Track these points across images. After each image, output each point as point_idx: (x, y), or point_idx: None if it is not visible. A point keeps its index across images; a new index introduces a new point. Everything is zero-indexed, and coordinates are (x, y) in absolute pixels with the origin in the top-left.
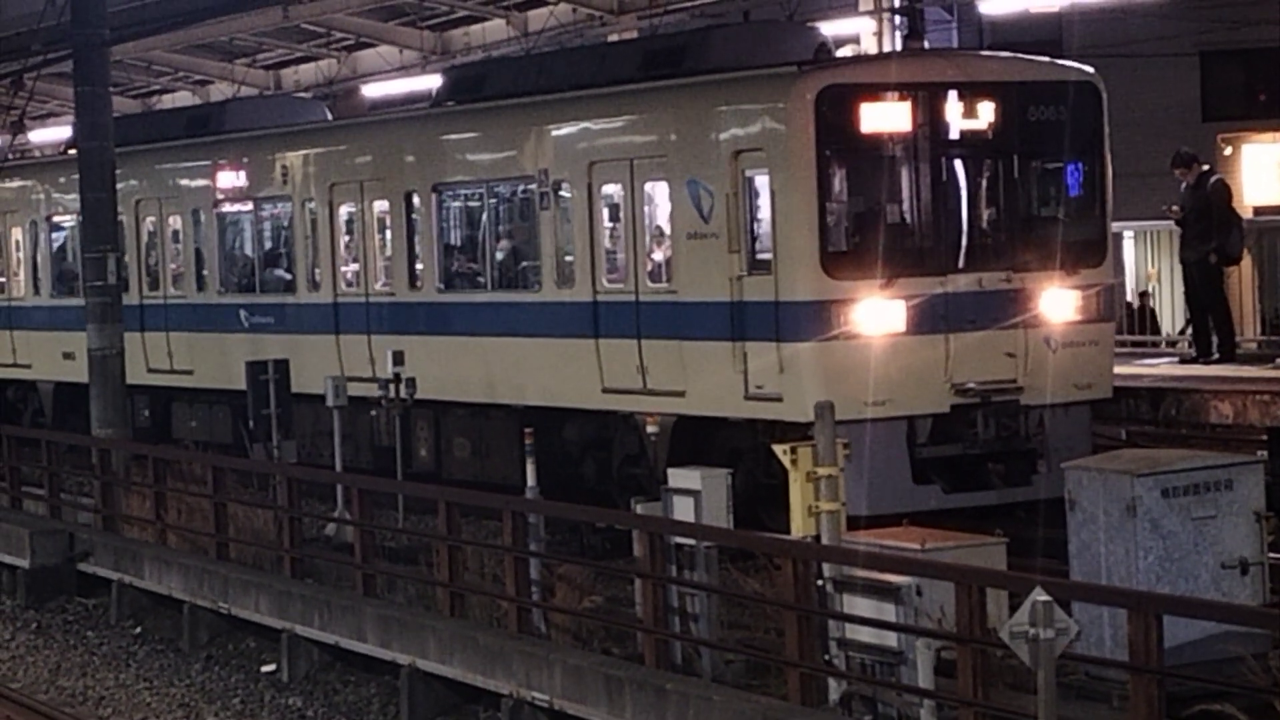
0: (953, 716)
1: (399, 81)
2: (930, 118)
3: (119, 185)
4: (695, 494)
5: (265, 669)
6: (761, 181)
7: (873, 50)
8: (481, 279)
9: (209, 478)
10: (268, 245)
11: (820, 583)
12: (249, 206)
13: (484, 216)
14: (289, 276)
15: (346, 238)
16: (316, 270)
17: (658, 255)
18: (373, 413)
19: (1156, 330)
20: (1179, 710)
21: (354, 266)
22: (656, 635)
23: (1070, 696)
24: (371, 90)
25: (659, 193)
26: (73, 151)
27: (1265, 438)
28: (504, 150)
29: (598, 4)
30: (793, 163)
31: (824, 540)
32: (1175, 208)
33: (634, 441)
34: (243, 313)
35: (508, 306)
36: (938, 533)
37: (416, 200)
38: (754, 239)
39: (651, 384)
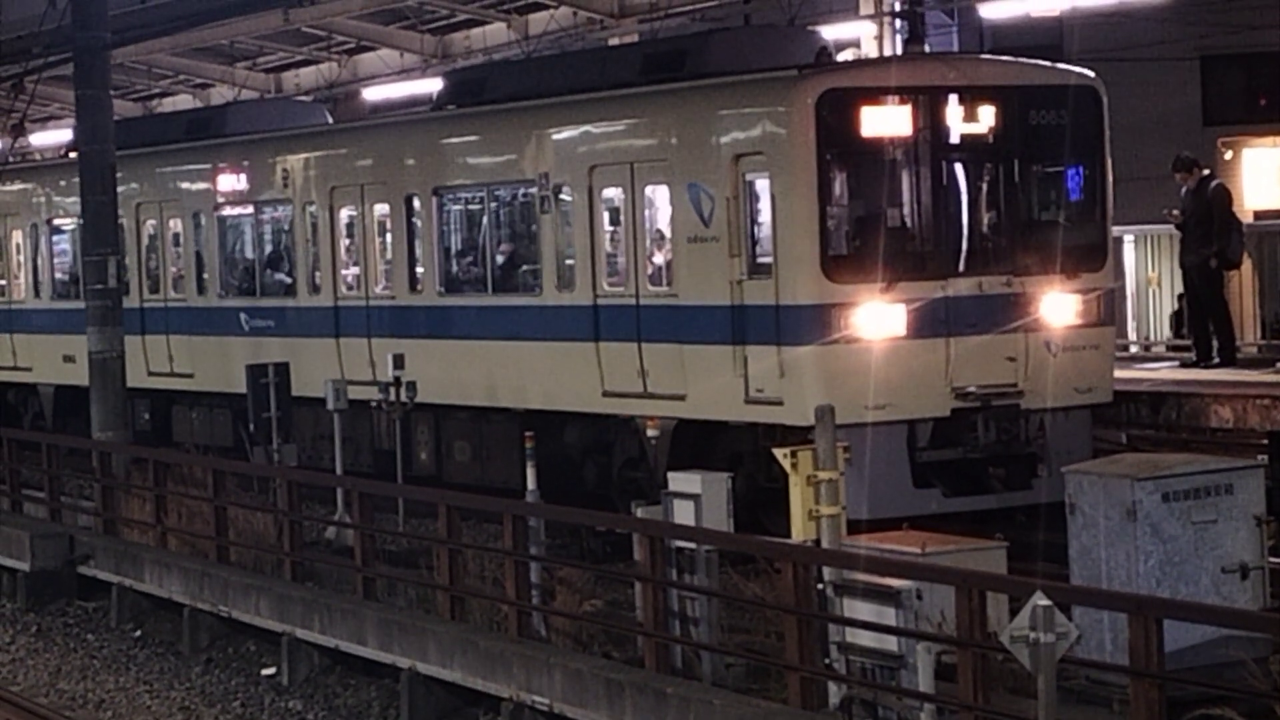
0: None
1: (399, 85)
2: (931, 122)
3: (120, 188)
4: (696, 498)
5: (265, 672)
6: (762, 185)
7: (873, 54)
8: (482, 282)
9: (209, 481)
10: (268, 248)
11: (820, 586)
12: (249, 210)
13: (484, 220)
14: (289, 280)
15: (347, 241)
16: (317, 273)
17: (658, 259)
18: (373, 404)
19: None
20: (1179, 714)
21: (354, 270)
22: (657, 639)
23: (1071, 701)
24: (372, 93)
25: (659, 196)
26: (73, 154)
27: (1265, 442)
28: (504, 154)
29: (598, 8)
30: (793, 166)
31: (824, 544)
32: (1175, 212)
33: (634, 445)
34: (243, 316)
35: (508, 310)
36: (938, 536)
37: (417, 204)
38: (754, 242)
39: (652, 387)
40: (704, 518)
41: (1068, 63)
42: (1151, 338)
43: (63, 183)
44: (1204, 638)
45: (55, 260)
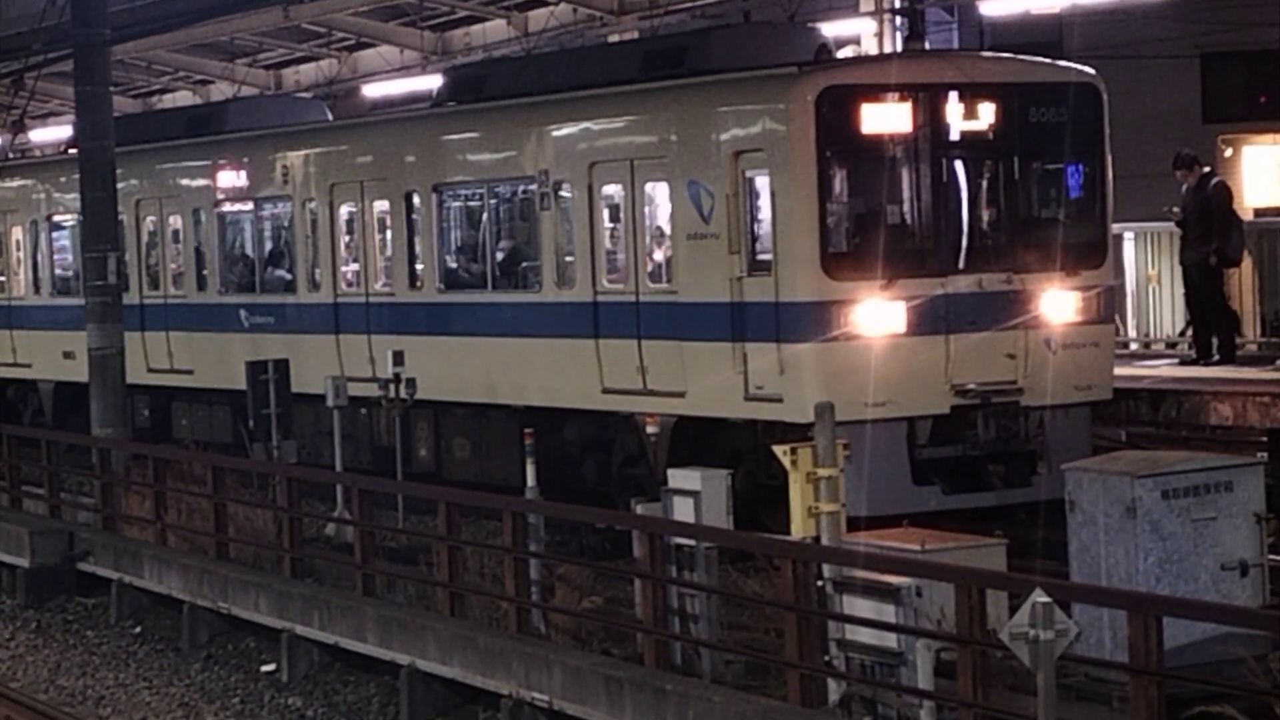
0: (952, 718)
1: (399, 81)
2: (931, 119)
3: (119, 185)
4: (695, 495)
5: (265, 669)
6: (762, 182)
7: (873, 51)
8: (482, 279)
9: (209, 477)
10: (268, 245)
11: (820, 584)
12: (249, 206)
13: (484, 217)
14: (289, 276)
15: (347, 238)
16: (317, 270)
17: (658, 256)
18: (363, 410)
19: None
20: (1179, 712)
21: (354, 266)
22: (656, 636)
23: (1070, 698)
24: (372, 90)
25: (659, 193)
26: (73, 151)
27: (1265, 439)
28: (504, 150)
29: (598, 4)
30: (793, 163)
31: (824, 541)
32: (1176, 209)
33: (634, 442)
34: (243, 312)
35: (508, 307)
36: (937, 534)
37: (417, 200)
38: (754, 240)
39: (651, 384)
40: (703, 515)
41: (1068, 60)
42: (1152, 335)
43: (63, 179)
44: (1203, 635)
45: (55, 257)
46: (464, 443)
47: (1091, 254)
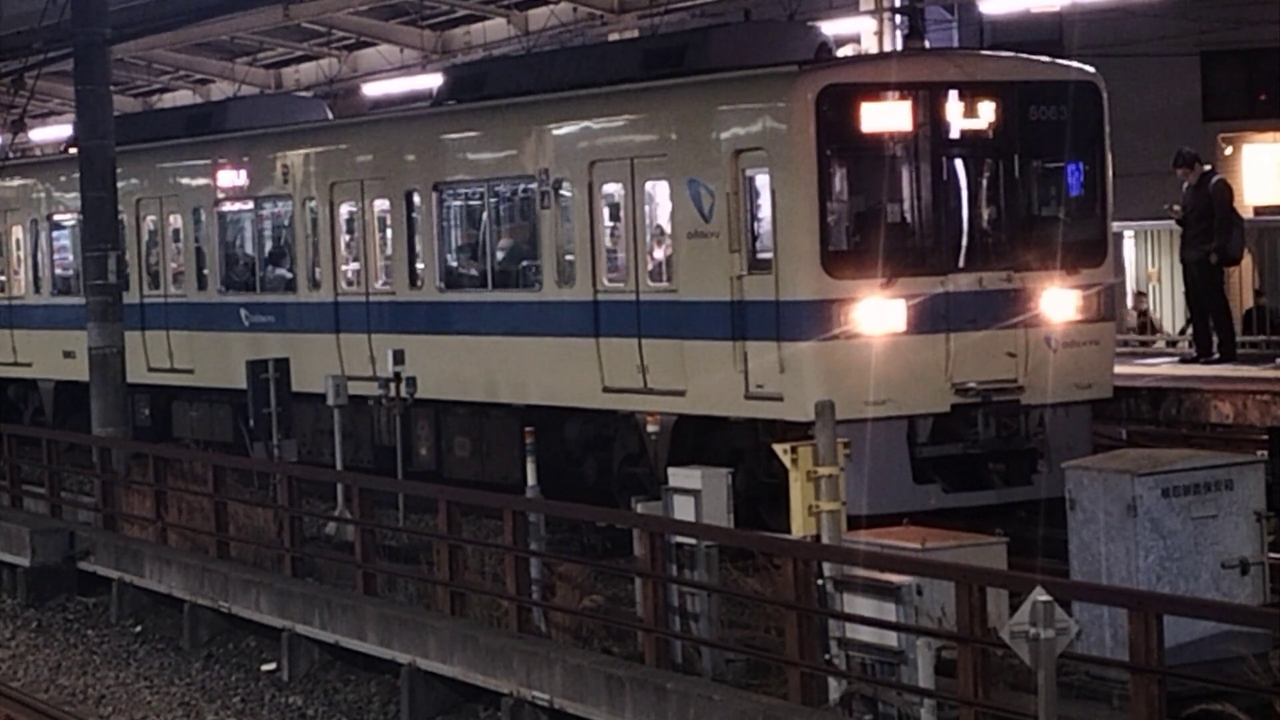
0: (953, 716)
1: (399, 80)
2: (931, 117)
3: (120, 184)
4: (696, 493)
5: (265, 668)
6: (762, 181)
7: (873, 50)
8: (482, 278)
9: (209, 476)
10: (268, 244)
11: (820, 582)
12: (249, 205)
13: (484, 215)
14: (289, 275)
15: (347, 237)
16: (317, 269)
17: (658, 254)
18: (370, 402)
19: None
20: (1179, 710)
21: (354, 265)
22: (657, 634)
23: (1071, 696)
24: (372, 89)
25: (659, 192)
26: (73, 150)
27: (1266, 437)
28: (504, 149)
29: (598, 3)
30: (793, 162)
31: (824, 540)
32: (1176, 208)
33: (634, 441)
34: (243, 311)
35: (508, 306)
36: (938, 532)
37: (417, 199)
38: (754, 238)
39: (652, 383)
40: (704, 513)
41: (1068, 58)
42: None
43: (63, 178)
44: (1204, 633)
45: (55, 256)
46: (464, 441)
47: (1091, 252)
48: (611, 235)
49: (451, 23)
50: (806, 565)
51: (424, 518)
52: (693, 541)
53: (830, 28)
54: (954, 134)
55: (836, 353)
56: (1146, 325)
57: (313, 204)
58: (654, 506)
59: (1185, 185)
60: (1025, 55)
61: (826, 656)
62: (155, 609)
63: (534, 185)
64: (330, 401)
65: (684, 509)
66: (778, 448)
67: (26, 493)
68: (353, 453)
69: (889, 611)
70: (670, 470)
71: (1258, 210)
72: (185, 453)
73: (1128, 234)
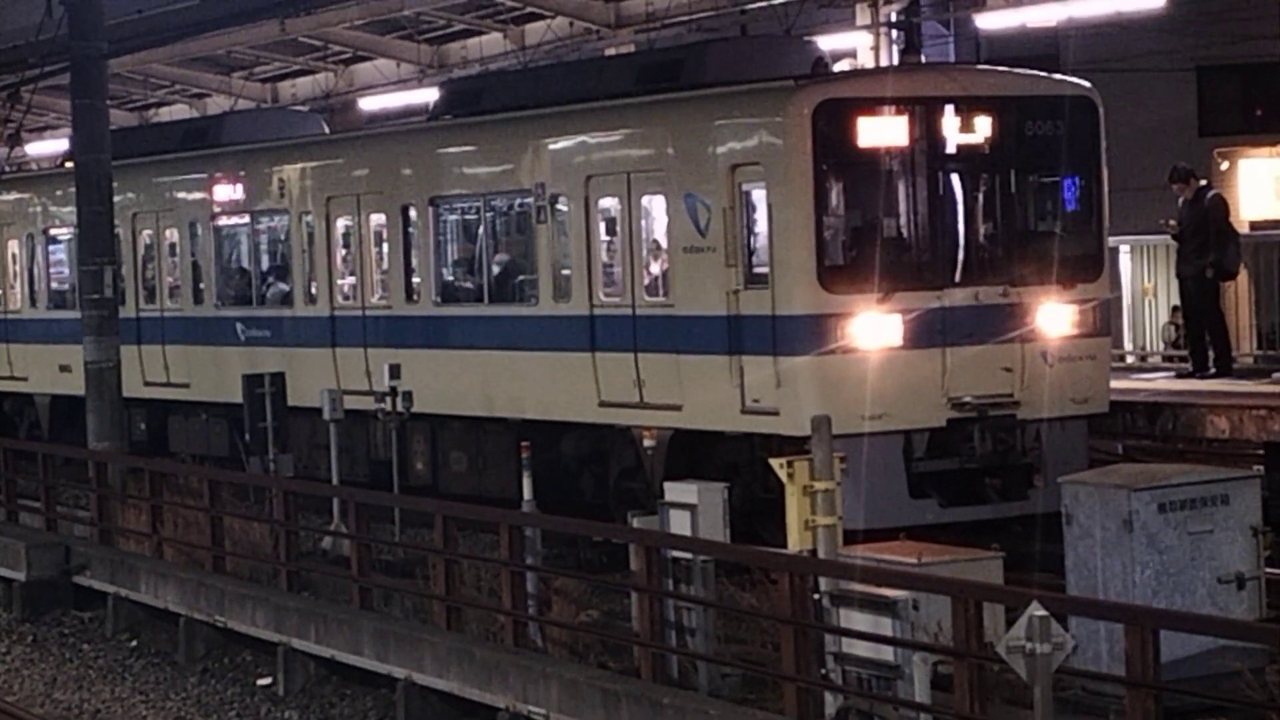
0: None
1: (396, 95)
2: (927, 132)
3: (116, 198)
4: (692, 508)
5: (261, 682)
6: (758, 195)
7: (870, 65)
8: (478, 292)
9: (205, 491)
10: (264, 258)
11: (817, 597)
12: (246, 220)
13: (481, 230)
14: (286, 290)
15: (343, 251)
16: (313, 283)
17: (654, 269)
18: (378, 416)
19: None
20: None
21: (350, 280)
22: (653, 649)
23: (1067, 711)
24: (368, 103)
25: (656, 206)
26: (70, 164)
27: (1262, 452)
28: (501, 164)
29: (594, 18)
30: (790, 177)
31: (821, 554)
32: (1172, 222)
33: (631, 455)
34: (239, 326)
35: (504, 320)
36: (934, 547)
37: (413, 213)
38: (751, 253)
39: (648, 398)
40: (700, 528)
41: (1064, 73)
42: (1148, 348)
43: (59, 192)
44: (1200, 648)
45: (51, 270)
46: (461, 456)
47: (1088, 267)
48: (608, 250)
49: (448, 37)
50: (803, 580)
51: (420, 532)
52: (689, 556)
53: (826, 43)
54: (950, 149)
55: (833, 367)
56: (1180, 341)
57: (309, 218)
58: (650, 521)
59: (1181, 200)
60: (1021, 70)
61: (823, 671)
62: (151, 623)
63: (530, 200)
64: (326, 416)
65: (680, 524)
66: (774, 462)
67: (22, 507)
68: (349, 467)
69: (885, 626)
70: (666, 485)
71: (1253, 225)
72: (181, 467)
73: (1124, 249)
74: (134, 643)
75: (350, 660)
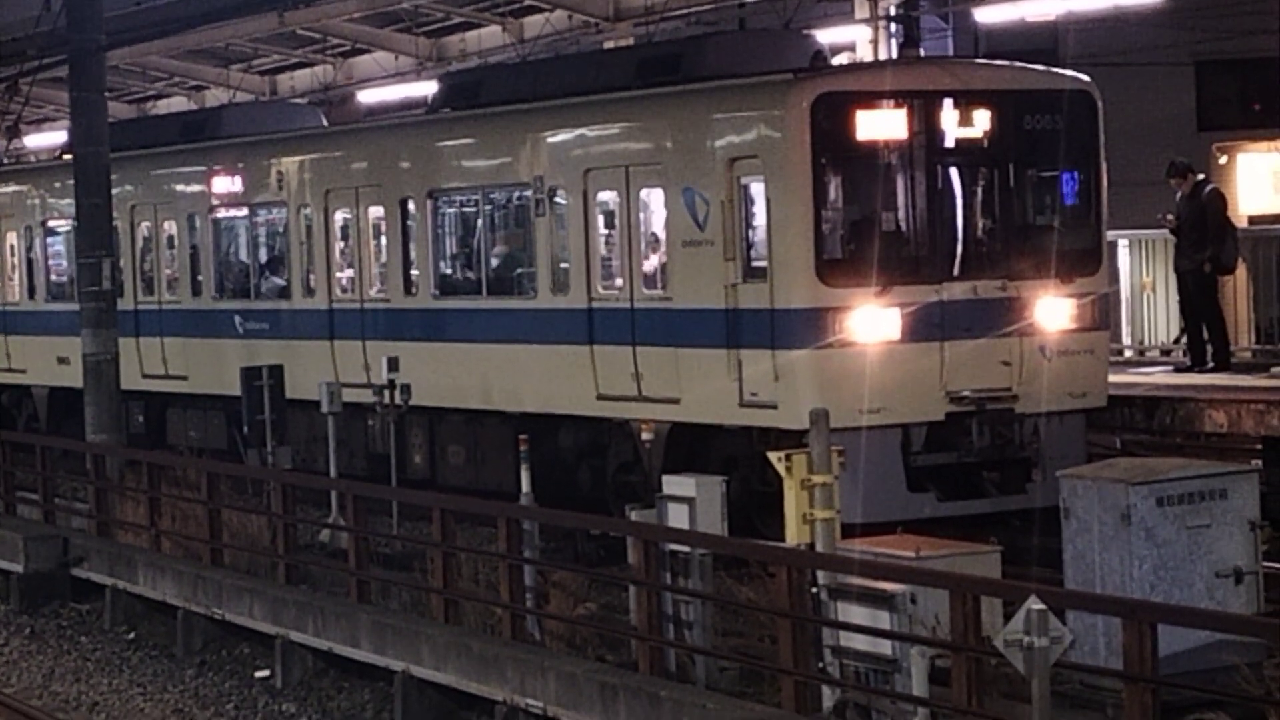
0: None
1: (394, 88)
2: (926, 126)
3: (114, 190)
4: (690, 501)
5: (259, 675)
6: (757, 189)
7: (868, 58)
8: (476, 285)
9: (203, 483)
10: (263, 251)
11: (815, 590)
12: (244, 212)
13: (479, 223)
14: (284, 282)
15: (341, 244)
16: (311, 276)
17: (653, 262)
18: (371, 422)
19: None
20: (1173, 719)
21: (349, 272)
22: (651, 642)
23: (1065, 705)
24: (367, 96)
25: (654, 200)
26: (68, 156)
27: (1260, 447)
28: (499, 157)
29: (593, 11)
30: (788, 170)
31: (819, 548)
32: (1170, 217)
33: (629, 448)
34: (237, 318)
35: (503, 313)
36: (932, 541)
37: (412, 206)
38: (749, 246)
39: (646, 391)
40: (698, 521)
41: (1063, 67)
42: (1146, 342)
43: (57, 185)
44: (1198, 642)
45: (50, 262)
46: (459, 449)
47: (1086, 261)
48: (606, 243)
49: (446, 30)
50: (801, 573)
51: (418, 525)
52: (687, 549)
53: (825, 36)
54: (949, 143)
55: (831, 361)
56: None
57: (307, 211)
58: (648, 514)
59: (1179, 195)
60: (1020, 64)
61: (820, 665)
62: (149, 616)
63: (529, 193)
64: (324, 409)
65: (678, 517)
66: (772, 456)
67: (20, 499)
68: (347, 460)
69: (883, 620)
70: (664, 478)
71: (1252, 220)
72: (179, 460)
73: (1122, 243)
74: (132, 635)
75: (348, 653)
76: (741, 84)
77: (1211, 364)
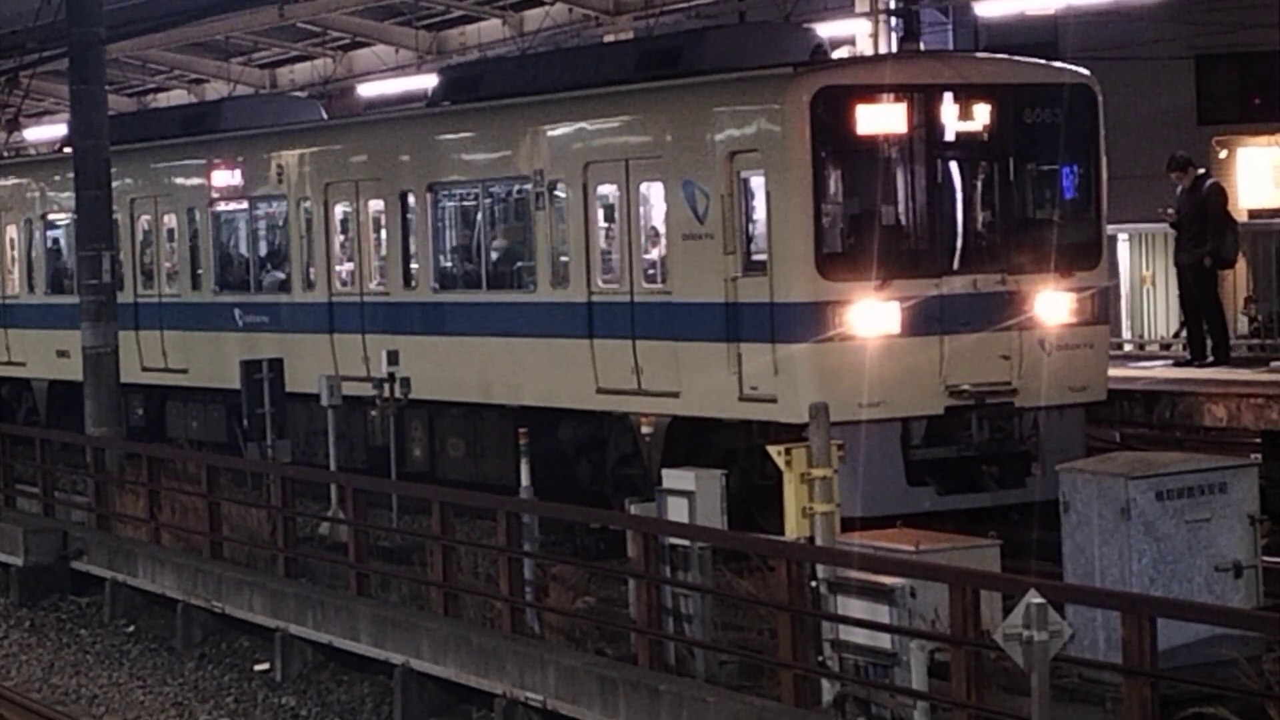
0: (946, 719)
1: (394, 81)
2: (926, 119)
3: (114, 183)
4: (689, 495)
5: (259, 668)
6: (757, 183)
7: (869, 52)
8: (476, 279)
9: (203, 477)
10: (263, 244)
11: (814, 584)
12: (244, 205)
13: (479, 216)
14: (284, 276)
15: (341, 237)
16: (311, 269)
17: (653, 256)
18: (372, 414)
19: None
20: (1172, 713)
21: (349, 266)
22: (650, 636)
23: (1064, 699)
24: (367, 89)
25: (654, 193)
26: (68, 149)
27: (1259, 441)
28: (499, 150)
29: (593, 4)
30: (788, 164)
31: (818, 542)
32: (1170, 211)
33: (628, 442)
34: (237, 311)
35: (502, 306)
36: (932, 534)
37: (411, 200)
38: (749, 240)
39: (646, 384)
40: (698, 515)
41: (1063, 61)
42: (1145, 336)
43: (57, 178)
44: (1197, 636)
45: (49, 255)
46: (458, 442)
47: (1086, 255)
48: (606, 236)
49: (447, 23)
50: (800, 567)
51: (418, 518)
52: (686, 543)
53: (825, 30)
54: (949, 136)
55: (831, 355)
56: (1261, 329)
57: (307, 204)
58: (648, 508)
59: (1179, 189)
60: (1020, 58)
61: (820, 658)
62: (148, 609)
63: (529, 186)
64: (324, 402)
65: (678, 510)
66: (772, 450)
67: (20, 492)
68: (346, 453)
69: (882, 614)
70: (664, 472)
71: (1251, 214)
72: (179, 453)
73: (1122, 237)
74: (131, 628)
75: (348, 646)
76: (742, 77)
77: (1211, 358)
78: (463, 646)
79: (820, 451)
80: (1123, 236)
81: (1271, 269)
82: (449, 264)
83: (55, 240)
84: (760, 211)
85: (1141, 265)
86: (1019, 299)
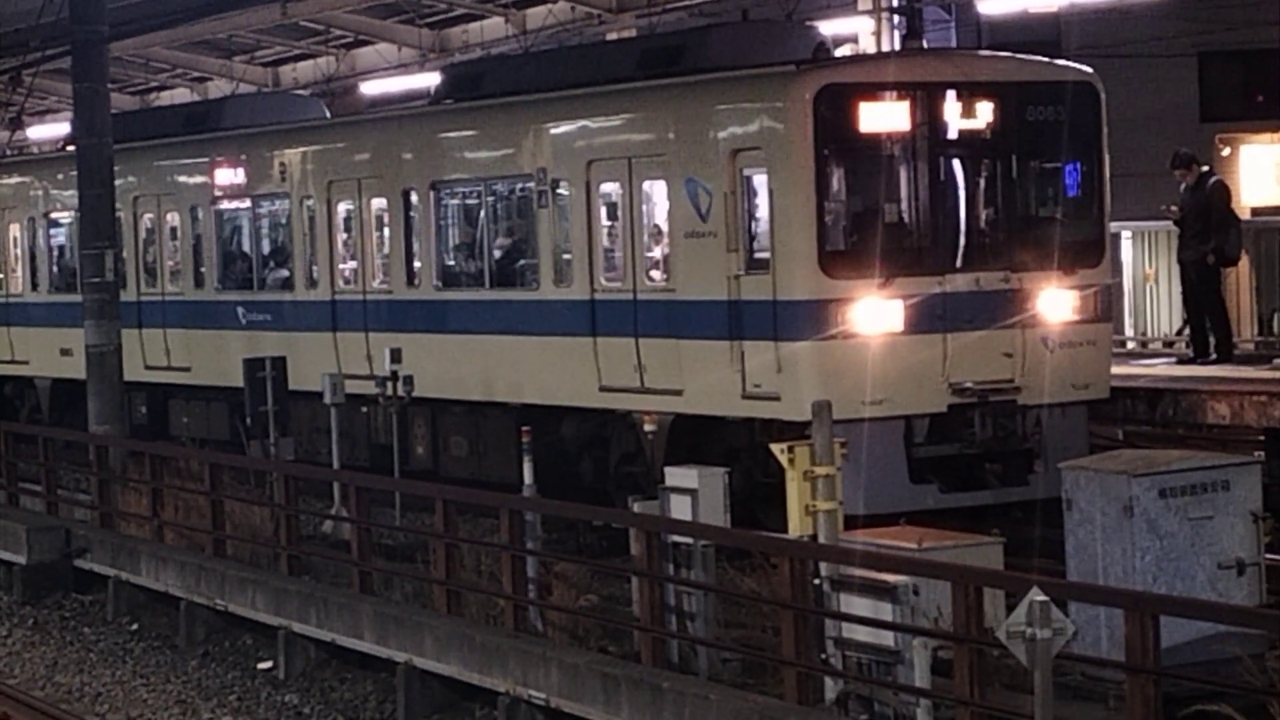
0: (949, 716)
1: (397, 79)
2: (929, 117)
3: (117, 182)
4: (692, 493)
5: (262, 666)
6: (760, 181)
7: (871, 50)
8: (479, 277)
9: (206, 475)
10: (265, 242)
11: (817, 582)
12: (247, 204)
13: (482, 214)
14: (287, 274)
15: (344, 235)
16: (314, 268)
17: (655, 254)
18: (364, 409)
19: None
20: (1175, 711)
21: (352, 264)
22: (653, 634)
23: (1067, 697)
24: (370, 88)
25: (657, 191)
26: (71, 148)
27: (1262, 438)
28: (502, 148)
29: (596, 2)
30: (791, 162)
31: (821, 539)
32: (1174, 208)
33: (631, 440)
34: (240, 310)
35: (505, 305)
36: (935, 532)
37: (414, 198)
38: (752, 238)
39: (649, 383)
40: (701, 513)
41: (1066, 59)
42: (1148, 334)
43: (60, 176)
44: (1200, 634)
45: (52, 253)
46: (461, 440)
47: (1089, 252)
48: (609, 234)
49: (449, 21)
50: (803, 565)
51: (420, 516)
52: (689, 541)
53: (828, 27)
54: (952, 134)
55: (833, 353)
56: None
57: (310, 202)
58: (650, 506)
59: (1183, 186)
60: (1023, 56)
61: (823, 656)
62: (151, 607)
63: (531, 184)
64: (327, 400)
65: (681, 508)
66: (775, 447)
67: (23, 490)
68: (349, 451)
69: (885, 611)
70: (667, 469)
71: (1255, 211)
72: (182, 451)
73: (1125, 234)
74: (135, 626)
75: (351, 644)
76: (744, 75)
77: (1214, 355)
78: (466, 644)
79: (823, 449)
80: (1126, 234)
81: (1275, 266)
82: (452, 262)
83: (58, 239)
84: (763, 209)
85: (1144, 263)
86: (1022, 297)
